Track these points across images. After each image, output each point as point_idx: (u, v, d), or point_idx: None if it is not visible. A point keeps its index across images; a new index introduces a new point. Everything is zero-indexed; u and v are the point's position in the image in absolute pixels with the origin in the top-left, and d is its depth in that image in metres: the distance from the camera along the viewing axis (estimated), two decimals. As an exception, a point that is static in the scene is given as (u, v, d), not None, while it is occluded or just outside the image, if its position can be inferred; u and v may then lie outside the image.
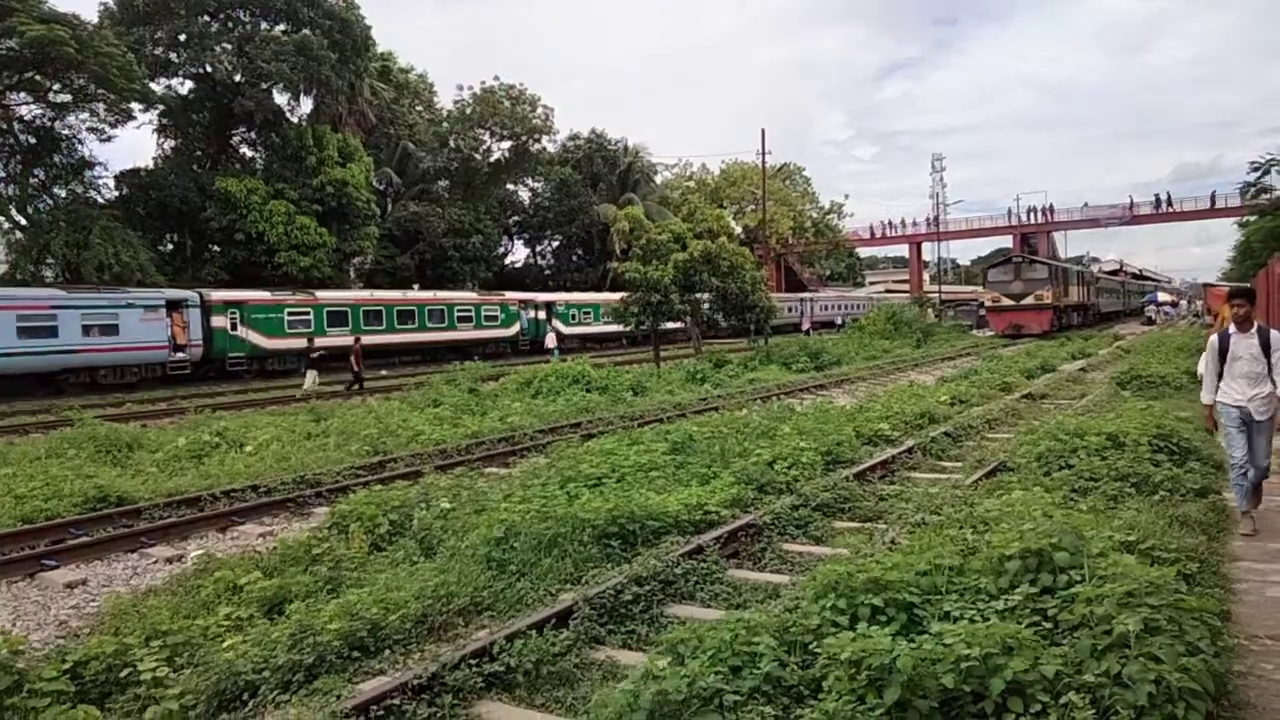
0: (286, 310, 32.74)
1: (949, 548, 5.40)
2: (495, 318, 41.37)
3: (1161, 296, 77.47)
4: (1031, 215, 76.99)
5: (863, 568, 4.77)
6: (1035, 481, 8.06)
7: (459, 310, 39.59)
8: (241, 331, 31.25)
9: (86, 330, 26.90)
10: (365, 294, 37.93)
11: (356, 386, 24.72)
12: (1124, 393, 16.17)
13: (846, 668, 3.79)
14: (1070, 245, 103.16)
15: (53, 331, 26.05)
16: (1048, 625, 4.23)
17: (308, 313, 33.33)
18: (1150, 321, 58.09)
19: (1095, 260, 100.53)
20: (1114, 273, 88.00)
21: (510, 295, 43.91)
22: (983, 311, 49.67)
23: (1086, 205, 76.09)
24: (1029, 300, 42.88)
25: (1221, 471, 9.03)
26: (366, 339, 32.09)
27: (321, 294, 35.23)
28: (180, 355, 29.64)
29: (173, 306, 29.47)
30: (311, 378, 24.43)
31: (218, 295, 31.47)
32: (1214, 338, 7.34)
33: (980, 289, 56.79)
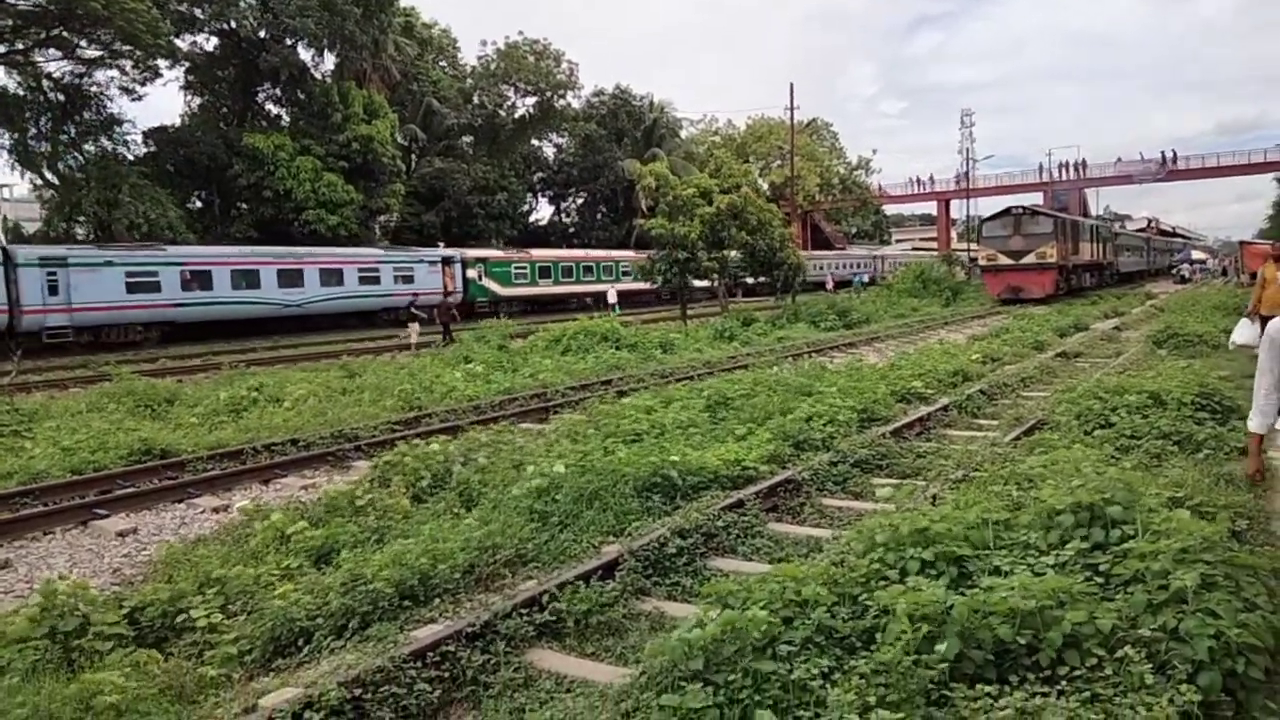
0: (513, 265, 41.90)
1: (995, 503, 5.40)
2: None
3: (1196, 254, 76.08)
4: (1063, 171, 75.62)
5: (910, 520, 4.77)
6: (1076, 439, 8.00)
7: (623, 266, 47.09)
8: (485, 281, 40.33)
9: (396, 279, 36.36)
10: (564, 252, 47.42)
11: (447, 338, 25.88)
12: (1160, 351, 15.98)
13: (900, 619, 3.81)
14: (1103, 202, 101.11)
15: (377, 280, 35.73)
16: (1099, 580, 4.23)
17: (526, 267, 42.49)
18: (1184, 280, 57.13)
19: (1126, 217, 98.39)
20: (1141, 230, 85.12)
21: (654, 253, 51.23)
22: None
23: (1120, 161, 74.56)
24: (1030, 259, 37.30)
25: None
26: (561, 288, 44.23)
27: (535, 252, 45.25)
28: (450, 298, 37.15)
29: (445, 262, 38.63)
30: (415, 330, 24.78)
31: (471, 253, 40.93)
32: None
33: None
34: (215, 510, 8.51)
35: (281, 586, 5.70)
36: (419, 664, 4.35)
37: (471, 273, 39.70)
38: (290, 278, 32.65)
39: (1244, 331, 12.80)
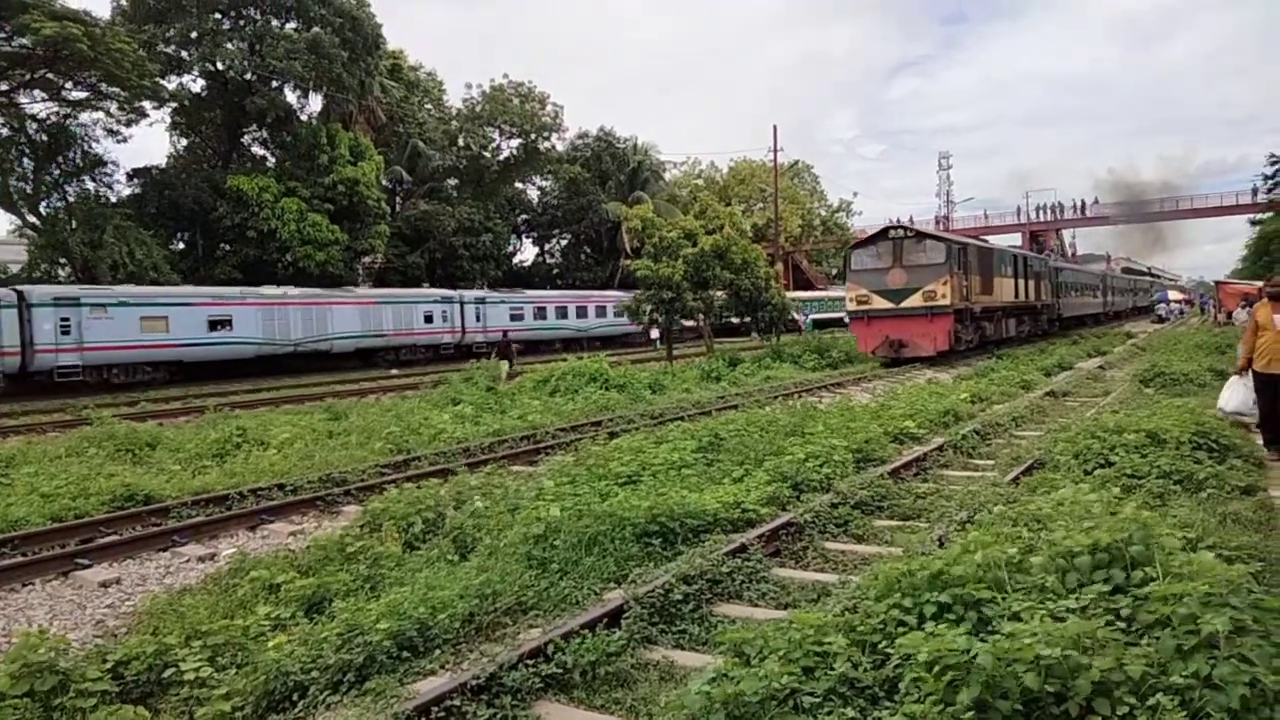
0: None
1: (1005, 545, 5.29)
2: None
3: (1172, 295, 77.00)
4: (1040, 213, 76.76)
5: (925, 565, 4.67)
6: (1077, 479, 7.94)
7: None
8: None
9: (596, 313, 50.08)
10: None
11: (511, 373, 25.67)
12: (1147, 390, 16.03)
13: (924, 668, 3.69)
14: (1083, 246, 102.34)
15: (585, 314, 49.76)
16: (1121, 624, 4.13)
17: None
18: (1161, 320, 57.81)
19: (1103, 257, 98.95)
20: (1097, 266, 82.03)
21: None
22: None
23: (1096, 202, 75.86)
24: (914, 300, 26.32)
25: (1264, 469, 8.92)
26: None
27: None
28: (636, 329, 46.77)
29: None
30: (505, 369, 24.24)
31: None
32: None
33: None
34: (201, 559, 8.27)
35: (273, 638, 5.50)
36: (423, 720, 4.17)
37: None
38: (581, 311, 49.30)
39: (1235, 394, 10.76)
